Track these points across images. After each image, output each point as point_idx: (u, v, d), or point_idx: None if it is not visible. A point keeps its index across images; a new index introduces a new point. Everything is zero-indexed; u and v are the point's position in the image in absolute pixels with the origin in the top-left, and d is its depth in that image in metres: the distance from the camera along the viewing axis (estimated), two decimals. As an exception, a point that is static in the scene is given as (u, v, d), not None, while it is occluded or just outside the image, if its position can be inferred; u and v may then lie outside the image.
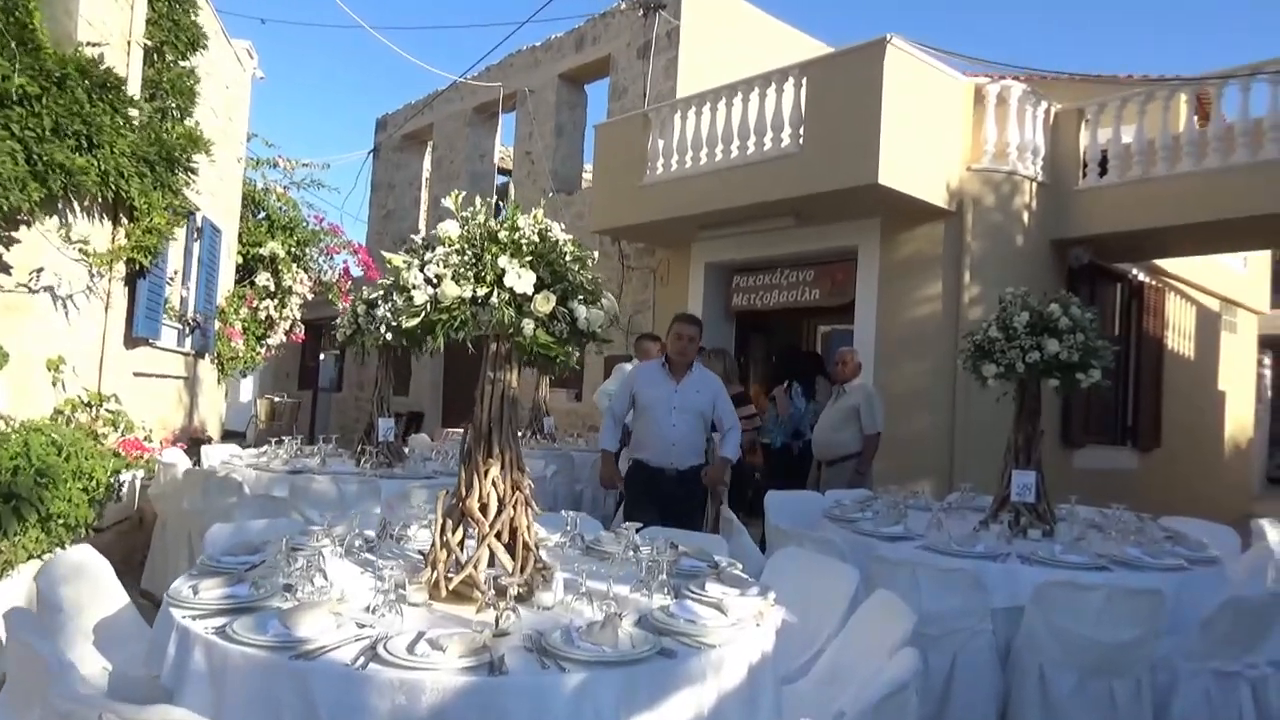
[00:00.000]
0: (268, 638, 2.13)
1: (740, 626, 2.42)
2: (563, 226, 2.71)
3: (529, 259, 2.56)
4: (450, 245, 2.61)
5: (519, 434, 9.16)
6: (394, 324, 2.61)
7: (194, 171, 6.29)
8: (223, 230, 8.75)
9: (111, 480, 4.70)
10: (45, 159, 4.50)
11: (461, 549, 2.70)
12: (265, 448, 5.76)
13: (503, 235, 2.61)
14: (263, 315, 9.63)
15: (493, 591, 2.34)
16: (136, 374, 6.68)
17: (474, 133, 13.90)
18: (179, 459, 5.32)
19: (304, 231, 10.30)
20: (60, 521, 4.20)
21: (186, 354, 7.99)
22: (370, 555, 3.15)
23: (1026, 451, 4.48)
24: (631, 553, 3.20)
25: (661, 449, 4.87)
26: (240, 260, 10.14)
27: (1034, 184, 8.01)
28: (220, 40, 8.60)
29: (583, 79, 12.46)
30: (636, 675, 2.10)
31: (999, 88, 7.89)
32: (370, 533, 3.59)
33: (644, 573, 2.76)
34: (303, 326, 10.52)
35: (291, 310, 9.97)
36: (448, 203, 2.68)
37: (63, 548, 4.34)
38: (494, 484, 2.72)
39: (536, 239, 2.60)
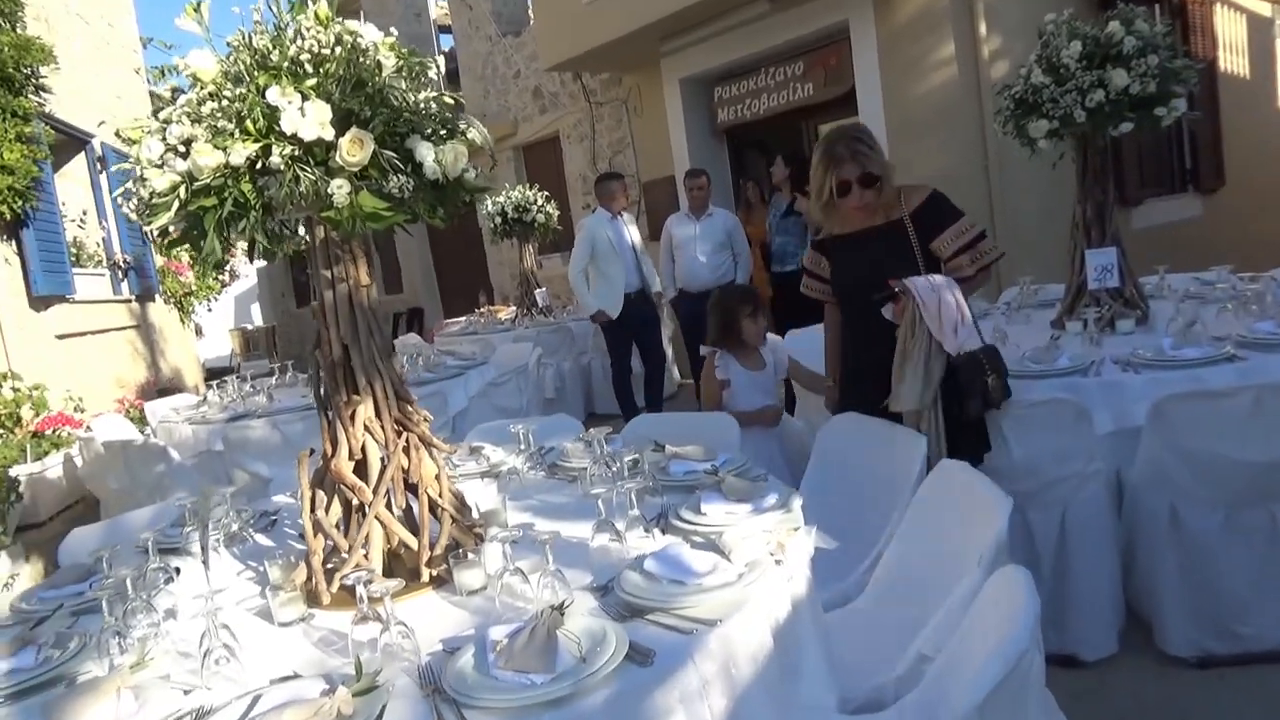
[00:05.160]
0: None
1: (752, 578, 1.59)
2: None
3: (319, 83, 1.61)
4: (203, 88, 1.66)
5: (515, 309, 7.98)
6: (145, 228, 1.69)
7: (44, 89, 5.24)
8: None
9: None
10: None
11: (343, 530, 1.89)
12: (206, 393, 4.97)
13: (276, 56, 1.65)
14: (210, 240, 8.68)
15: (366, 602, 1.53)
16: (60, 336, 5.87)
17: (402, -11, 12.39)
18: (102, 429, 4.57)
19: None
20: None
21: (127, 300, 7.15)
22: (267, 538, 2.37)
23: (1100, 224, 3.52)
24: (605, 469, 2.38)
25: None
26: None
27: (1047, -104, 6.60)
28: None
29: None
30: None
31: None
32: (284, 498, 2.82)
33: (611, 506, 1.92)
34: None
35: None
36: (186, 21, 1.70)
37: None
38: (368, 430, 1.87)
39: (329, 48, 1.64)
